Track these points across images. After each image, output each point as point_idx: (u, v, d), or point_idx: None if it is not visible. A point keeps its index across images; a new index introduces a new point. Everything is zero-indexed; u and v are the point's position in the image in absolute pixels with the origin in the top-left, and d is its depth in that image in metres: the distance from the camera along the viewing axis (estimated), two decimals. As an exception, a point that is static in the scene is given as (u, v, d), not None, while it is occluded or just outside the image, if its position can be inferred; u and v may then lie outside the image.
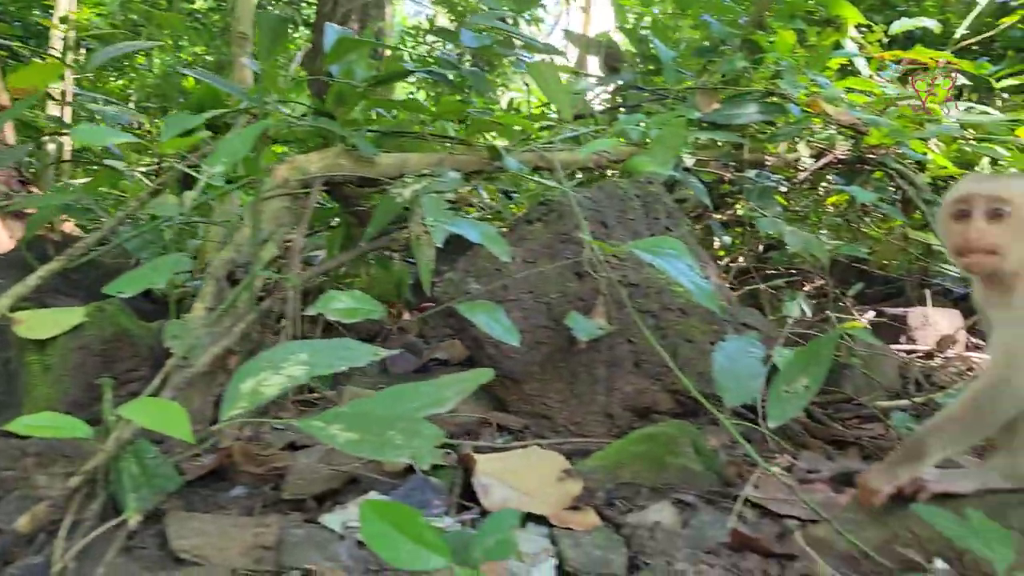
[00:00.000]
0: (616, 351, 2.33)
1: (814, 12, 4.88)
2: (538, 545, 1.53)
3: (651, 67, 4.62)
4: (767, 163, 4.62)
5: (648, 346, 2.37)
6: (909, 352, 4.49)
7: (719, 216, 4.47)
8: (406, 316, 3.34)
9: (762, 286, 3.52)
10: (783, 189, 4.45)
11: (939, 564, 1.41)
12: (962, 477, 1.50)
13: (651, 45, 4.33)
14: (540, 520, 1.62)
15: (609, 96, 4.76)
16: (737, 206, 4.53)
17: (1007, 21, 5.16)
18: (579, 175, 3.41)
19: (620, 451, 1.93)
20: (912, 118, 4.26)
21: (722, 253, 4.27)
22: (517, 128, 3.28)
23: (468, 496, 1.72)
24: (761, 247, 4.09)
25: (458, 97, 3.20)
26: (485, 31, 2.91)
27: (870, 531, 1.52)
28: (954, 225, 1.48)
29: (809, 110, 3.98)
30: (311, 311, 1.88)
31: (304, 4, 10.75)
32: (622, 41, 5.46)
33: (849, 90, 4.62)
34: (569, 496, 1.67)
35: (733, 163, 4.43)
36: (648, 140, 3.68)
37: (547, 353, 2.34)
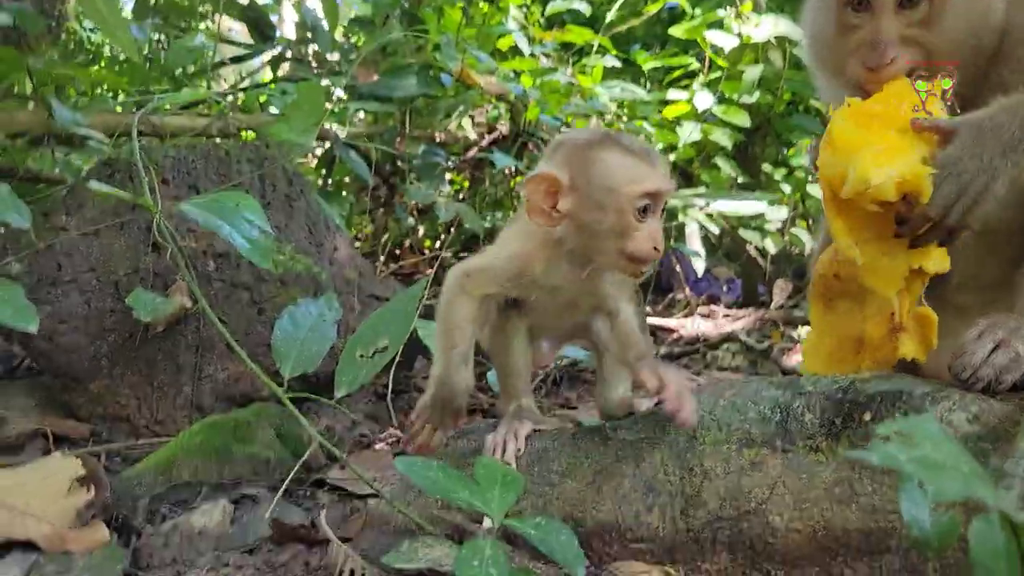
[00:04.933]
0: (205, 333, 2.01)
1: (474, -11, 4.91)
2: (4, 581, 1.18)
3: (310, 35, 4.32)
4: (437, 140, 4.57)
5: (245, 324, 2.09)
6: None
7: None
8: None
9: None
10: (450, 165, 4.41)
11: (487, 523, 1.29)
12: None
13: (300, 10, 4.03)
14: (30, 545, 1.27)
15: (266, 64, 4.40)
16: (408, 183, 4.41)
17: (650, 9, 5.61)
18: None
19: (177, 447, 1.61)
20: (563, 91, 4.44)
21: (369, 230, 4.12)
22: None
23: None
24: (412, 220, 3.98)
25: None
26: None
27: (426, 500, 1.38)
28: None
29: (461, 81, 3.95)
30: None
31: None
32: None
33: (516, 72, 4.71)
34: (73, 510, 1.32)
35: (399, 138, 4.31)
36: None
37: (117, 342, 1.95)
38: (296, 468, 1.44)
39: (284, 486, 1.40)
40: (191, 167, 2.23)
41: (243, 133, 3.08)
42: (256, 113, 3.31)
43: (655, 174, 1.25)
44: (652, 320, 4.34)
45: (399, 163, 4.33)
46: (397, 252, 4.51)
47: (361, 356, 1.64)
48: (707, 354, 2.96)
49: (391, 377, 2.43)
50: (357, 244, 5.12)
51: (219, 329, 1.61)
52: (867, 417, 1.14)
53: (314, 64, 4.38)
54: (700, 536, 1.18)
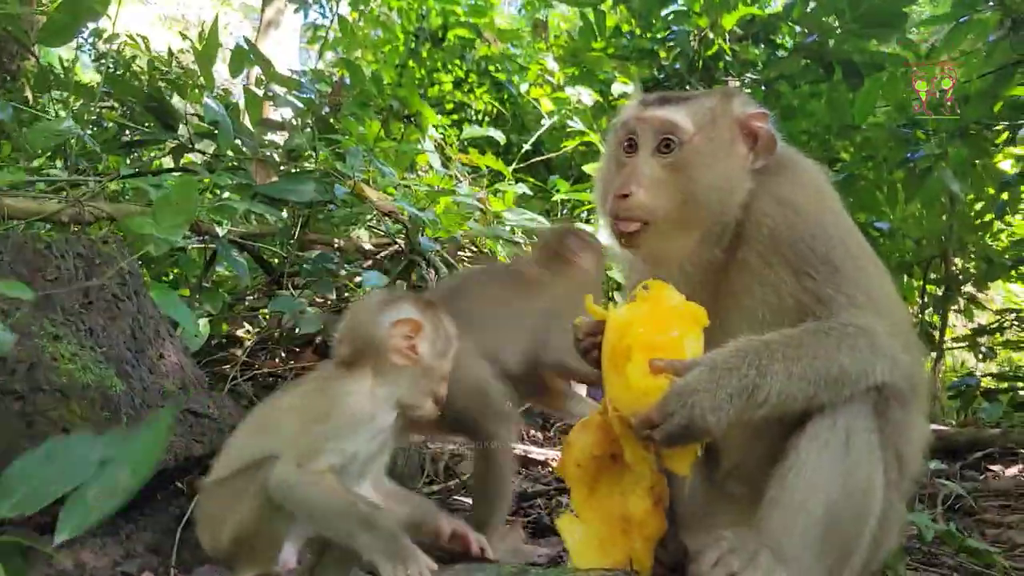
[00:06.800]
0: (-44, 444, 1.81)
1: (394, 108, 4.98)
2: None
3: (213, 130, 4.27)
4: (336, 246, 4.51)
5: (9, 438, 1.90)
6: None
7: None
8: None
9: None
10: (343, 272, 4.31)
11: None
12: None
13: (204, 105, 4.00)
14: None
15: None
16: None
17: (568, 145, 5.78)
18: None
19: None
20: (462, 215, 4.45)
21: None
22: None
23: None
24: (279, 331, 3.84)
25: None
26: None
27: None
28: None
29: (355, 195, 3.93)
30: None
31: None
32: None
33: (430, 187, 4.74)
34: None
35: (292, 241, 4.24)
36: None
37: None
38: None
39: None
40: (-10, 258, 2.09)
41: (100, 224, 2.95)
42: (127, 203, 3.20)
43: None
44: (528, 448, 4.22)
45: (294, 266, 4.24)
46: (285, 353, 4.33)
47: (96, 494, 1.47)
48: (553, 498, 2.83)
49: (191, 508, 2.24)
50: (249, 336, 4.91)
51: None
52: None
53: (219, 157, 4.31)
54: None
